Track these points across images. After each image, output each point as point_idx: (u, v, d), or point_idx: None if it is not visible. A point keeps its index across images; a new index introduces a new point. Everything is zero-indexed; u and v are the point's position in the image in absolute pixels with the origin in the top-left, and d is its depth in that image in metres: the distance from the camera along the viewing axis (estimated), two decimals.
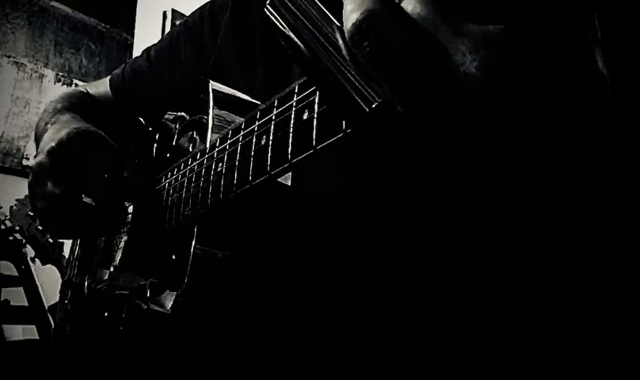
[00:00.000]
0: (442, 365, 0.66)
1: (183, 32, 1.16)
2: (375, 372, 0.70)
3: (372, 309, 0.71)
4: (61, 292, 1.37)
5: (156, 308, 0.86)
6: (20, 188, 3.18)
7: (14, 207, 2.80)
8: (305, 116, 0.55)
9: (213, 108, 0.84)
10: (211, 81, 0.88)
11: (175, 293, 0.84)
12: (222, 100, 0.87)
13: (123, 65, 1.30)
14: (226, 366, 0.83)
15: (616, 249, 0.56)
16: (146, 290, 0.90)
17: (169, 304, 0.85)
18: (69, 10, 3.45)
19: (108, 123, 1.29)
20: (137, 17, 3.57)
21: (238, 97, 0.90)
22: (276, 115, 0.62)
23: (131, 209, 1.07)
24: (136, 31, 3.47)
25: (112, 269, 1.09)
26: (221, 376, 0.84)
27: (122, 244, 1.07)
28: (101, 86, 1.32)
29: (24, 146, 3.31)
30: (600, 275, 0.57)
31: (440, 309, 0.67)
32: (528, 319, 0.61)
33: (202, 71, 1.04)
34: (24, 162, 3.36)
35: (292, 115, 0.58)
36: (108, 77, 1.31)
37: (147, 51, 1.24)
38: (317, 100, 0.53)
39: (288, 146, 0.58)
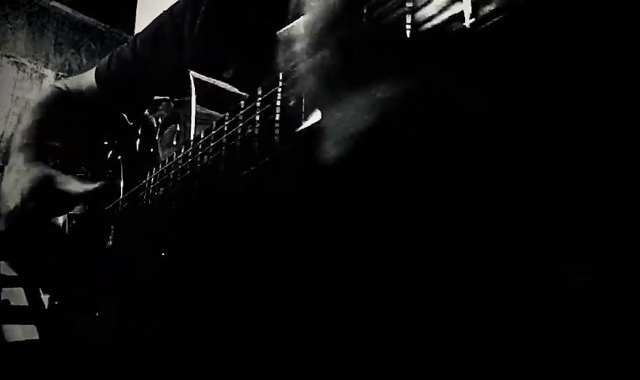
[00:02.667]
0: (441, 365, 0.65)
1: (167, 21, 1.16)
2: (373, 372, 0.69)
3: (370, 308, 0.70)
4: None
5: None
6: None
7: None
8: (292, 103, 0.54)
9: (195, 99, 0.84)
10: (191, 72, 0.87)
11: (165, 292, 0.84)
12: (204, 91, 0.86)
13: (109, 55, 1.30)
14: (223, 365, 0.82)
15: (616, 249, 0.55)
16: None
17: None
18: (69, 10, 3.45)
19: (88, 120, 1.30)
20: (137, 17, 3.58)
21: (221, 87, 0.89)
22: (261, 102, 0.62)
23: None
24: (136, 31, 3.46)
25: None
26: (217, 374, 0.83)
27: (110, 241, 1.07)
28: (84, 79, 1.32)
29: None
30: (600, 275, 0.56)
31: (439, 308, 0.66)
32: (528, 319, 0.61)
33: (181, 59, 1.04)
34: None
35: (279, 102, 0.57)
36: (93, 69, 1.32)
37: (134, 40, 1.25)
38: None
39: (275, 135, 0.57)
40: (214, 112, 0.83)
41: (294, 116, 0.55)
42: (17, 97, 3.22)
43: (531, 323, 0.61)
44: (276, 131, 0.57)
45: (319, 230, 0.73)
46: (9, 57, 3.22)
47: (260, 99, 0.62)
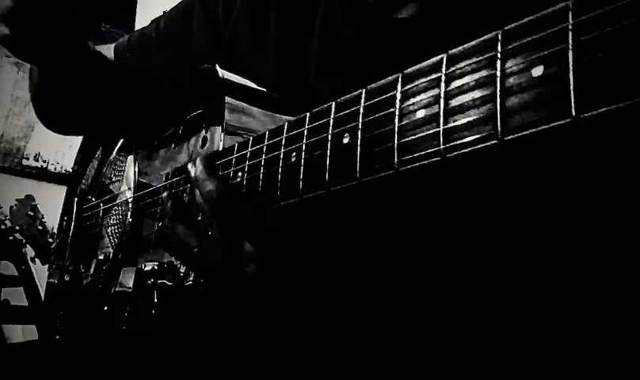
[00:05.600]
0: (445, 365, 0.66)
1: (197, 6, 1.09)
2: (375, 372, 0.70)
3: (372, 309, 0.71)
4: (51, 274, 1.34)
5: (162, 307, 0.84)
6: (20, 188, 3.15)
7: (14, 207, 2.78)
8: (345, 141, 0.52)
9: (225, 104, 0.79)
10: (220, 70, 0.82)
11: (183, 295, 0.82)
12: (233, 92, 0.80)
13: (127, 37, 1.22)
14: (230, 364, 0.83)
15: (620, 249, 0.56)
16: (154, 293, 0.88)
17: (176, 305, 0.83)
18: None
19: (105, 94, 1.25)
20: (137, 17, 3.55)
21: (250, 87, 0.84)
22: (308, 131, 0.58)
23: (130, 198, 1.05)
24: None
25: (101, 257, 1.08)
26: (225, 374, 0.84)
27: (119, 237, 1.05)
28: (106, 52, 1.23)
29: (24, 146, 3.29)
30: (606, 275, 0.57)
31: (444, 309, 0.67)
32: (534, 319, 0.62)
33: (215, 46, 1.00)
34: (24, 162, 3.34)
35: (329, 137, 0.54)
36: (112, 47, 1.23)
37: (157, 21, 1.17)
38: (360, 126, 0.50)
39: (325, 172, 0.54)
40: (247, 118, 0.79)
41: (346, 157, 0.51)
42: (17, 97, 3.20)
43: (537, 323, 0.61)
44: (327, 171, 0.53)
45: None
46: (9, 57, 3.19)
47: (307, 126, 0.58)
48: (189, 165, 0.73)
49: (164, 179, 0.91)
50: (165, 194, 0.78)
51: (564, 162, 0.49)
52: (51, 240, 2.69)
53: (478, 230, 0.63)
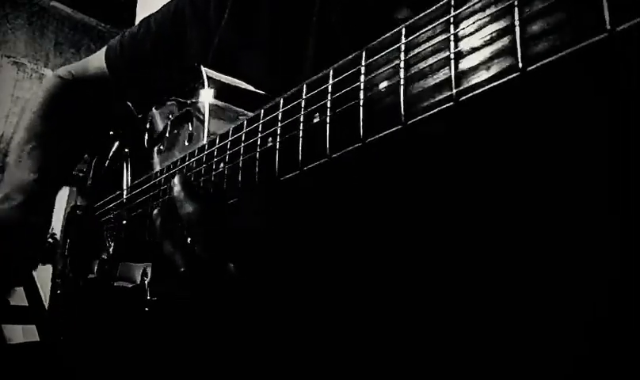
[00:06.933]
0: (442, 365, 0.66)
1: (187, 8, 1.10)
2: (376, 372, 0.70)
3: (372, 309, 0.70)
4: (52, 282, 1.36)
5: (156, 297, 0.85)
6: None
7: None
8: (315, 120, 0.53)
9: (209, 99, 0.80)
10: (204, 68, 0.83)
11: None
12: (218, 90, 0.82)
13: (119, 38, 1.23)
14: (230, 363, 0.83)
15: (616, 249, 0.55)
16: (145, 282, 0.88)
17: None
18: (69, 10, 3.45)
19: (94, 109, 1.25)
20: (137, 17, 3.57)
21: (235, 86, 0.86)
22: (282, 114, 0.59)
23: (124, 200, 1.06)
24: None
25: (104, 257, 1.08)
26: (224, 372, 0.84)
27: (115, 239, 1.06)
28: (89, 63, 1.27)
29: None
30: (601, 275, 0.56)
31: (440, 309, 0.66)
32: (529, 319, 0.61)
33: (207, 48, 1.00)
34: None
35: (301, 118, 0.55)
36: (103, 50, 1.25)
37: (147, 24, 1.18)
38: (329, 103, 0.51)
39: (298, 152, 0.55)
40: (230, 112, 0.81)
41: (317, 136, 0.52)
42: (17, 97, 3.22)
43: (532, 323, 0.61)
44: (300, 151, 0.54)
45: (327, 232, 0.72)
46: (9, 57, 3.22)
47: (281, 110, 0.59)
48: (171, 182, 0.74)
49: (153, 177, 0.93)
50: (155, 211, 0.77)
51: (527, 125, 0.49)
52: (51, 240, 2.68)
53: (456, 210, 0.63)
